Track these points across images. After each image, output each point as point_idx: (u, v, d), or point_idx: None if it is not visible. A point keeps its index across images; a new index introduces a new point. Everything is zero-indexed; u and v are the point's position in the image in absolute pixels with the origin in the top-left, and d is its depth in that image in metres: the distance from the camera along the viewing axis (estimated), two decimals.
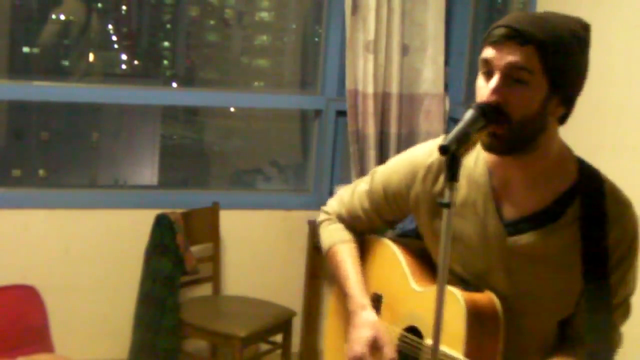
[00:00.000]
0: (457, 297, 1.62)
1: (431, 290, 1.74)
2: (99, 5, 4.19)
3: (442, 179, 1.73)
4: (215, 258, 3.75)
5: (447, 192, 1.41)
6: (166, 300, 3.44)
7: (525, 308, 1.67)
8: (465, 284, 1.70)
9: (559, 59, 1.54)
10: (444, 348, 1.61)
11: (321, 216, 2.05)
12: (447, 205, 1.40)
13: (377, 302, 1.89)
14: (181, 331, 3.45)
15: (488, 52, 1.56)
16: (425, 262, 1.86)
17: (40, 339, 3.47)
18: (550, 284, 1.65)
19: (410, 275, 1.83)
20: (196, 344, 3.76)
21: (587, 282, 1.60)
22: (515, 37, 1.52)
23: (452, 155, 1.42)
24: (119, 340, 3.61)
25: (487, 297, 1.65)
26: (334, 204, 2.03)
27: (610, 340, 1.60)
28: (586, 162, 1.69)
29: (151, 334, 3.44)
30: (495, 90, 1.53)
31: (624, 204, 1.64)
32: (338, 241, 1.97)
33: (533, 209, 1.64)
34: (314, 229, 3.86)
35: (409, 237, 2.00)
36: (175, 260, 3.49)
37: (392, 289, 1.86)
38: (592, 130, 3.22)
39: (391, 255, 1.90)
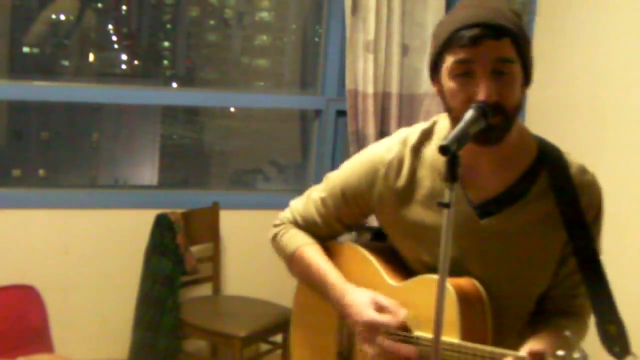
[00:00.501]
0: (445, 285, 1.62)
1: (409, 283, 1.76)
2: (99, 5, 4.19)
3: (404, 173, 1.75)
4: (215, 258, 3.75)
5: (447, 192, 1.41)
6: (166, 300, 3.44)
7: (502, 289, 1.69)
8: (432, 272, 1.70)
9: (527, 46, 1.62)
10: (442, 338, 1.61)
11: (272, 230, 2.00)
12: (447, 206, 1.41)
13: None
14: (181, 331, 3.45)
15: (462, 54, 1.57)
16: (393, 259, 1.86)
17: (40, 339, 3.47)
18: (527, 260, 1.68)
19: (385, 272, 1.82)
20: (196, 344, 3.77)
21: (574, 246, 1.64)
22: (490, 35, 1.55)
23: (452, 156, 1.43)
24: (119, 340, 3.61)
25: (468, 281, 1.67)
26: (286, 215, 1.99)
27: (612, 298, 1.62)
28: (542, 138, 1.74)
29: (151, 334, 3.44)
30: (492, 90, 1.56)
31: (587, 173, 1.70)
32: (302, 244, 1.92)
33: (499, 190, 1.68)
34: None
35: (365, 239, 2.01)
36: (175, 260, 3.49)
37: (372, 288, 1.82)
38: (592, 130, 3.22)
39: (359, 256, 1.89)
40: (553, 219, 1.66)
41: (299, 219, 1.95)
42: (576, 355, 1.37)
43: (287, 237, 1.95)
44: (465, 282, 1.66)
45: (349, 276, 1.86)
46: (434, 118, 1.81)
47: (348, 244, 1.95)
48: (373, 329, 1.72)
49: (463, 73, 1.58)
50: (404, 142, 1.78)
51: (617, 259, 3.01)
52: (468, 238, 1.68)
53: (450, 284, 1.62)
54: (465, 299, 1.63)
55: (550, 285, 1.72)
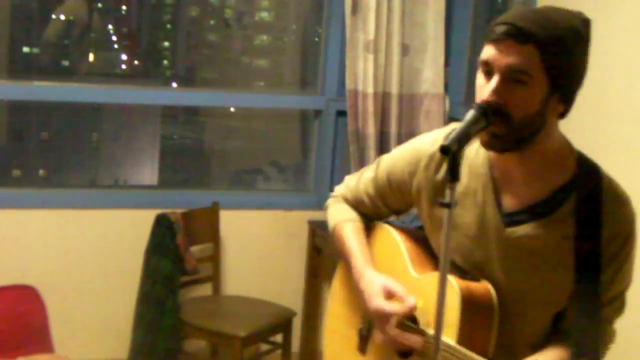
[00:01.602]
0: (452, 285, 1.63)
1: (428, 277, 1.77)
2: (99, 5, 4.19)
3: (444, 168, 1.74)
4: (215, 258, 3.75)
5: (447, 192, 1.41)
6: (166, 300, 3.44)
7: (520, 300, 1.68)
8: (464, 274, 1.71)
9: (559, 58, 1.54)
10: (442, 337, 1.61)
11: (328, 200, 2.07)
12: (448, 206, 1.41)
13: None
14: (181, 331, 3.45)
15: (488, 52, 1.55)
16: (426, 250, 1.88)
17: (40, 339, 3.47)
18: (545, 276, 1.66)
19: (410, 262, 1.84)
20: (196, 344, 3.77)
21: (578, 276, 1.61)
22: (515, 35, 1.51)
23: (453, 156, 1.43)
24: (119, 340, 3.61)
25: (483, 287, 1.66)
26: (341, 188, 2.05)
27: (598, 335, 1.60)
28: (586, 157, 1.69)
29: (151, 334, 3.44)
30: (496, 91, 1.53)
31: (620, 201, 1.64)
32: (344, 219, 1.98)
33: (530, 201, 1.66)
34: (314, 229, 3.87)
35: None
36: (175, 260, 3.49)
37: (392, 275, 1.86)
38: (592, 130, 3.22)
39: (392, 241, 1.92)
40: (569, 246, 1.62)
41: (349, 195, 2.01)
42: None
43: (333, 210, 2.02)
44: (478, 286, 1.65)
45: (376, 259, 1.91)
46: None
47: (384, 226, 1.97)
48: (382, 316, 1.76)
49: (486, 71, 1.57)
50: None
51: None
52: (493, 244, 1.68)
53: (460, 286, 1.62)
54: (470, 302, 1.62)
55: (566, 307, 1.68)
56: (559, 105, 1.59)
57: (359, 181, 1.98)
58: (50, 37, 4.05)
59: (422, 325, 1.72)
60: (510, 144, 1.58)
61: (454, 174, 1.42)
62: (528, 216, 1.65)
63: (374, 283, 1.80)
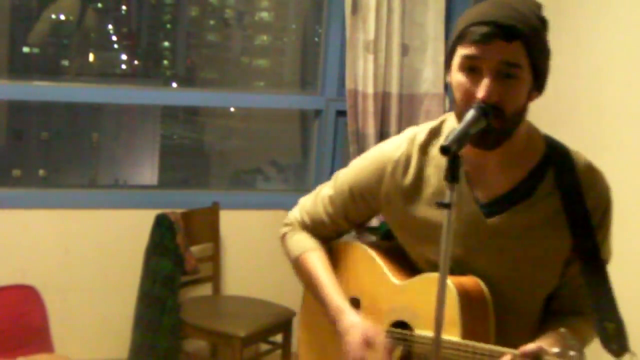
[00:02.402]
0: (447, 283, 1.61)
1: (414, 281, 1.75)
2: (99, 5, 4.19)
3: (411, 171, 1.75)
4: (215, 258, 3.75)
5: (447, 193, 1.41)
6: (166, 300, 3.44)
7: (510, 287, 1.69)
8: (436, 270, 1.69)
9: (540, 50, 1.59)
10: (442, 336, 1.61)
11: (282, 229, 2.01)
12: (448, 206, 1.41)
13: (355, 306, 1.86)
14: (181, 331, 3.45)
15: (471, 50, 1.56)
16: (399, 258, 1.86)
17: (40, 339, 3.47)
18: (534, 259, 1.68)
19: (389, 271, 1.82)
20: (196, 344, 3.77)
21: (579, 246, 1.64)
22: (500, 34, 1.54)
23: (453, 156, 1.43)
24: (119, 340, 3.61)
25: (472, 280, 1.67)
26: (295, 213, 1.99)
27: (613, 298, 1.62)
28: (551, 137, 1.73)
29: (151, 334, 3.44)
30: (491, 89, 1.55)
31: (595, 174, 1.69)
32: (305, 249, 1.93)
33: (507, 189, 1.68)
34: None
35: (372, 237, 2.01)
36: (175, 260, 3.49)
37: (371, 289, 1.84)
38: (592, 130, 3.22)
39: (365, 255, 1.89)
40: (558, 219, 1.65)
41: (306, 218, 1.95)
42: (572, 352, 1.37)
43: (293, 241, 1.96)
44: (468, 280, 1.66)
45: (351, 279, 1.87)
46: (443, 117, 1.81)
47: (352, 242, 1.95)
48: None
49: (469, 68, 1.57)
50: (412, 141, 1.78)
51: (618, 258, 3.01)
52: (474, 237, 1.68)
53: (453, 282, 1.62)
54: (467, 298, 1.62)
55: (558, 285, 1.72)
56: (535, 94, 1.65)
57: (315, 201, 1.94)
58: (39, 36, 4.03)
59: (416, 329, 1.71)
60: (501, 138, 1.61)
61: (454, 175, 1.42)
62: (506, 203, 1.67)
63: (354, 329, 1.76)
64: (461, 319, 1.61)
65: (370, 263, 1.87)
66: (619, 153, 3.04)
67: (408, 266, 1.83)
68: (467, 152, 1.64)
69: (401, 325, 1.76)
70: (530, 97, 1.63)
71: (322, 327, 1.94)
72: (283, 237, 2.00)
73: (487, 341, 1.60)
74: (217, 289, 3.76)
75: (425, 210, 1.74)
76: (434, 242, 1.70)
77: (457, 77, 1.60)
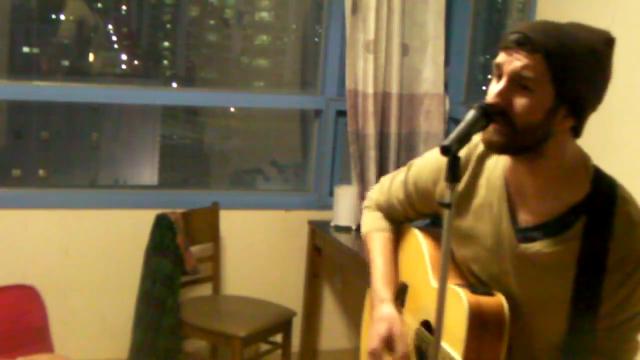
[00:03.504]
0: (462, 299, 1.62)
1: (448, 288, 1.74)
2: (99, 5, 4.19)
3: (465, 178, 1.75)
4: (215, 258, 3.75)
5: (447, 192, 1.41)
6: (166, 300, 3.44)
7: (535, 310, 1.67)
8: (482, 284, 1.72)
9: (567, 70, 1.53)
10: (446, 347, 1.62)
11: (365, 201, 2.11)
12: (448, 206, 1.41)
13: (403, 291, 1.93)
14: (181, 331, 3.45)
15: (500, 57, 1.57)
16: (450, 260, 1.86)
17: (40, 339, 3.47)
18: (558, 290, 1.63)
19: (431, 270, 1.84)
20: (196, 344, 3.77)
21: (576, 295, 1.59)
22: (525, 43, 1.53)
23: (453, 156, 1.43)
24: (119, 340, 3.61)
25: (495, 301, 1.64)
26: (375, 191, 2.07)
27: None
28: (605, 175, 1.66)
29: (151, 334, 3.43)
30: (500, 94, 1.54)
31: (634, 223, 1.60)
32: (373, 229, 2.02)
33: (544, 218, 1.64)
34: (314, 229, 3.87)
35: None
36: (175, 260, 3.49)
37: (415, 281, 1.89)
38: (594, 130, 3.22)
39: (417, 247, 1.93)
40: (568, 263, 1.61)
41: (381, 199, 2.03)
42: None
43: (366, 218, 2.06)
44: (489, 300, 1.63)
45: (405, 265, 1.96)
46: None
47: (412, 230, 1.99)
48: (376, 356, 1.84)
49: (498, 75, 1.58)
50: (475, 147, 1.76)
51: None
52: (507, 257, 1.67)
53: (469, 300, 1.61)
54: (479, 317, 1.60)
55: (588, 324, 1.64)
56: (568, 119, 1.58)
57: (391, 184, 2.01)
58: (61, 39, 4.04)
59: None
60: (512, 148, 1.58)
61: (454, 175, 1.42)
62: (541, 233, 1.64)
63: (384, 322, 1.86)
64: (467, 337, 1.59)
65: (419, 256, 1.91)
66: (620, 153, 3.04)
67: (454, 268, 1.82)
68: (509, 170, 1.67)
69: (427, 325, 1.79)
70: (555, 117, 1.56)
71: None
72: (363, 210, 2.11)
73: None
74: (217, 289, 3.76)
75: (469, 220, 1.74)
76: (475, 254, 1.72)
77: (491, 84, 1.60)
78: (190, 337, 3.55)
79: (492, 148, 1.61)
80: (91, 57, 4.23)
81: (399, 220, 2.03)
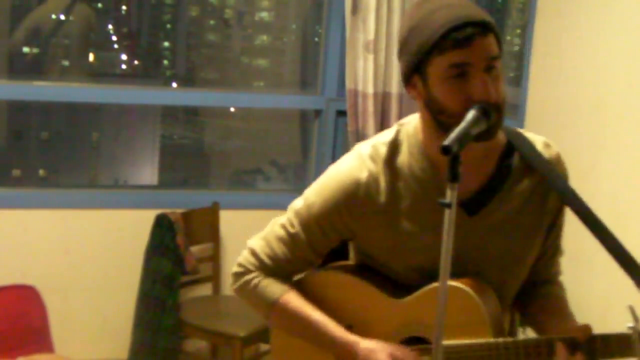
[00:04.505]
0: (462, 288, 1.62)
1: (418, 295, 1.70)
2: (99, 5, 4.19)
3: (382, 189, 1.70)
4: (215, 258, 3.75)
5: (448, 192, 1.41)
6: (166, 300, 3.44)
7: (502, 275, 1.72)
8: (430, 279, 1.66)
9: (500, 38, 1.61)
10: (471, 340, 1.62)
11: (237, 280, 1.85)
12: (448, 205, 1.41)
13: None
14: (181, 331, 3.45)
15: (457, 56, 1.54)
16: (378, 277, 1.78)
17: (40, 339, 3.47)
18: (522, 240, 1.71)
19: (381, 291, 1.74)
20: (196, 344, 3.77)
21: (573, 206, 1.67)
22: (479, 32, 1.55)
23: (454, 156, 1.42)
24: (119, 340, 3.61)
25: (471, 280, 1.66)
26: (249, 259, 1.84)
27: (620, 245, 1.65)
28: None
29: (151, 334, 3.44)
30: (491, 89, 1.55)
31: (553, 147, 1.74)
32: (282, 292, 1.79)
33: (481, 183, 1.69)
34: None
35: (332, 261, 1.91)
36: (175, 260, 3.49)
37: (365, 314, 1.75)
38: (593, 130, 3.22)
39: (347, 281, 1.79)
40: (539, 192, 1.70)
41: (266, 260, 1.81)
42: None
43: (259, 289, 1.81)
44: (470, 281, 1.66)
45: (341, 305, 1.77)
46: (395, 127, 1.75)
47: (323, 271, 1.85)
48: None
49: (458, 74, 1.56)
50: (373, 158, 1.71)
51: None
52: (460, 237, 1.62)
53: (465, 285, 1.63)
54: (483, 296, 1.63)
55: (537, 257, 1.78)
56: None
57: (272, 242, 1.83)
58: (24, 35, 4.01)
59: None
60: (497, 129, 1.61)
61: (454, 174, 1.41)
62: (485, 196, 1.69)
63: (376, 353, 1.67)
64: (489, 317, 1.62)
65: (355, 287, 1.77)
66: (619, 153, 3.04)
67: (389, 282, 1.76)
68: (436, 159, 1.66)
69: (414, 341, 1.72)
70: None
71: None
72: (242, 288, 1.84)
73: (504, 334, 1.62)
74: (217, 289, 3.76)
75: (406, 223, 1.70)
76: (425, 251, 1.69)
77: (444, 88, 1.57)
78: (190, 337, 3.55)
79: (489, 139, 1.60)
80: (91, 57, 4.23)
81: (293, 274, 1.83)
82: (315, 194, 1.76)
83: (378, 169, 1.71)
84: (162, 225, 3.50)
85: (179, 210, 3.58)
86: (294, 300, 1.78)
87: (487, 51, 1.55)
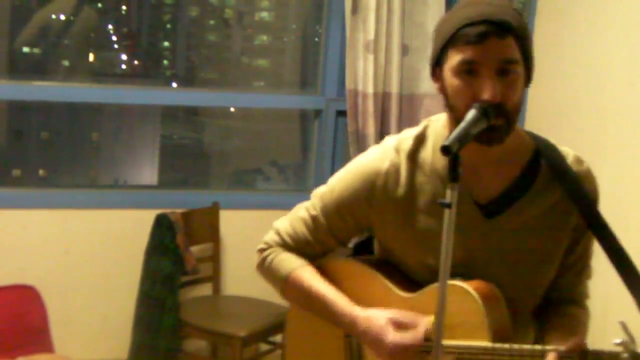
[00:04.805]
0: (466, 289, 1.61)
1: (425, 292, 1.71)
2: (99, 5, 4.19)
3: (402, 181, 1.71)
4: (215, 258, 3.75)
5: (448, 192, 1.41)
6: (166, 300, 3.44)
7: (514, 286, 1.69)
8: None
9: (529, 44, 1.60)
10: (471, 342, 1.61)
11: (259, 255, 1.89)
12: (449, 206, 1.41)
13: None
14: (181, 331, 3.45)
15: (469, 53, 1.55)
16: (393, 271, 1.80)
17: (40, 339, 3.47)
18: (536, 251, 1.69)
19: (392, 285, 1.76)
20: (196, 344, 3.77)
21: (592, 225, 1.65)
22: (495, 32, 1.54)
23: (454, 156, 1.43)
24: (119, 340, 3.61)
25: (483, 283, 1.66)
26: (273, 237, 1.88)
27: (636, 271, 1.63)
28: (534, 132, 1.75)
29: (151, 334, 3.44)
30: (496, 90, 1.54)
31: (583, 163, 1.72)
32: (297, 266, 1.82)
33: (504, 187, 1.68)
34: None
35: (361, 253, 1.95)
36: (175, 260, 3.49)
37: (374, 305, 1.75)
38: (593, 130, 3.22)
39: (361, 271, 1.81)
40: (562, 206, 1.68)
41: (287, 239, 1.85)
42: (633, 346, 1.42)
43: (278, 261, 1.85)
44: (480, 284, 1.65)
45: (353, 293, 1.78)
46: (424, 122, 1.79)
47: (344, 259, 1.88)
48: (402, 351, 1.64)
49: (467, 71, 1.56)
50: (397, 150, 1.74)
51: None
52: (476, 239, 1.67)
53: (471, 287, 1.62)
54: (488, 301, 1.61)
55: (557, 274, 1.74)
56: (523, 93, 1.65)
57: (295, 223, 1.85)
58: (30, 37, 4.01)
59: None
60: (504, 134, 1.60)
61: (455, 174, 1.42)
62: (507, 202, 1.67)
63: (377, 320, 1.68)
64: (489, 322, 1.59)
65: (369, 279, 1.79)
66: (619, 153, 3.04)
67: (403, 278, 1.78)
68: (461, 153, 1.65)
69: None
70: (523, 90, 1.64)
71: (319, 348, 1.87)
72: (262, 262, 1.88)
73: (510, 340, 1.60)
74: (217, 289, 3.76)
75: (423, 219, 1.71)
76: (436, 248, 1.69)
77: (453, 82, 1.59)
78: (190, 337, 3.55)
79: (494, 144, 1.60)
80: (91, 57, 4.23)
81: (314, 256, 1.86)
82: (338, 180, 1.81)
83: (400, 161, 1.73)
84: (162, 225, 3.50)
85: (179, 210, 3.58)
86: (309, 273, 1.81)
87: (501, 53, 1.54)
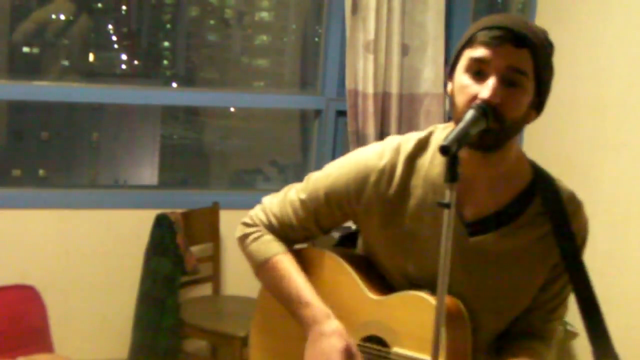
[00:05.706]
0: (431, 304, 1.60)
1: (392, 297, 1.71)
2: (99, 5, 4.19)
3: (396, 181, 1.72)
4: (215, 258, 3.76)
5: (447, 193, 1.41)
6: (166, 300, 3.44)
7: (482, 307, 1.68)
8: (416, 286, 1.69)
9: (545, 64, 1.59)
10: (421, 356, 1.60)
11: (243, 229, 1.92)
12: (447, 206, 1.41)
13: None
14: (181, 331, 3.45)
15: (481, 52, 1.56)
16: (369, 270, 1.80)
17: (40, 339, 3.47)
18: (511, 281, 1.68)
19: (363, 284, 1.76)
20: (196, 344, 3.77)
21: (569, 268, 1.64)
22: (512, 39, 1.54)
23: (453, 156, 1.42)
24: (119, 340, 3.61)
25: (451, 300, 1.65)
26: (259, 214, 1.91)
27: (607, 332, 1.61)
28: (536, 163, 1.74)
29: (151, 334, 3.44)
30: (497, 92, 1.54)
31: (577, 201, 1.70)
32: (277, 252, 1.85)
33: (493, 209, 1.67)
34: None
35: (344, 247, 1.96)
36: (175, 260, 3.49)
37: (343, 301, 1.77)
38: (593, 130, 3.22)
39: (338, 266, 1.82)
40: (547, 241, 1.66)
41: (273, 220, 1.87)
42: None
43: (259, 243, 1.87)
44: (449, 300, 1.63)
45: (326, 285, 1.80)
46: (430, 128, 1.77)
47: (324, 251, 1.87)
48: None
49: (475, 71, 1.57)
50: (397, 150, 1.74)
51: (618, 258, 3.01)
52: (455, 254, 1.63)
53: (435, 302, 1.61)
54: (450, 318, 1.60)
55: (529, 308, 1.72)
56: (533, 112, 1.63)
57: (283, 203, 1.87)
58: (25, 35, 4.01)
59: (393, 346, 1.69)
60: (499, 142, 1.60)
61: (453, 175, 1.41)
62: (492, 224, 1.67)
63: (338, 336, 1.70)
64: (448, 340, 1.58)
65: (344, 274, 1.79)
66: (619, 153, 3.04)
67: (379, 279, 1.78)
68: (459, 163, 1.65)
69: (374, 340, 1.73)
70: (529, 113, 1.62)
71: (282, 333, 1.88)
72: (244, 237, 1.90)
73: None
74: (217, 289, 3.76)
75: (409, 222, 1.71)
76: (415, 255, 1.70)
77: (462, 79, 1.59)
78: (190, 337, 3.55)
79: (484, 148, 1.60)
80: (91, 57, 4.23)
81: (295, 241, 1.89)
82: (334, 167, 1.83)
83: (398, 161, 1.73)
84: (162, 225, 3.50)
85: (179, 210, 3.58)
86: (287, 262, 1.83)
87: (512, 60, 1.54)
